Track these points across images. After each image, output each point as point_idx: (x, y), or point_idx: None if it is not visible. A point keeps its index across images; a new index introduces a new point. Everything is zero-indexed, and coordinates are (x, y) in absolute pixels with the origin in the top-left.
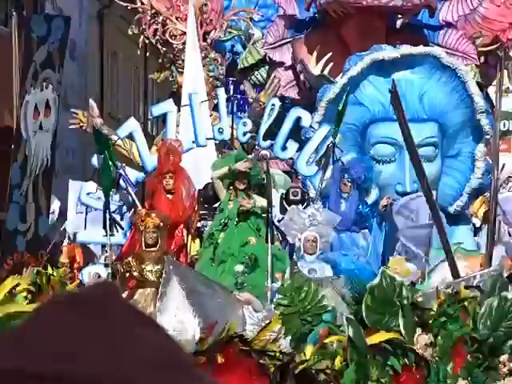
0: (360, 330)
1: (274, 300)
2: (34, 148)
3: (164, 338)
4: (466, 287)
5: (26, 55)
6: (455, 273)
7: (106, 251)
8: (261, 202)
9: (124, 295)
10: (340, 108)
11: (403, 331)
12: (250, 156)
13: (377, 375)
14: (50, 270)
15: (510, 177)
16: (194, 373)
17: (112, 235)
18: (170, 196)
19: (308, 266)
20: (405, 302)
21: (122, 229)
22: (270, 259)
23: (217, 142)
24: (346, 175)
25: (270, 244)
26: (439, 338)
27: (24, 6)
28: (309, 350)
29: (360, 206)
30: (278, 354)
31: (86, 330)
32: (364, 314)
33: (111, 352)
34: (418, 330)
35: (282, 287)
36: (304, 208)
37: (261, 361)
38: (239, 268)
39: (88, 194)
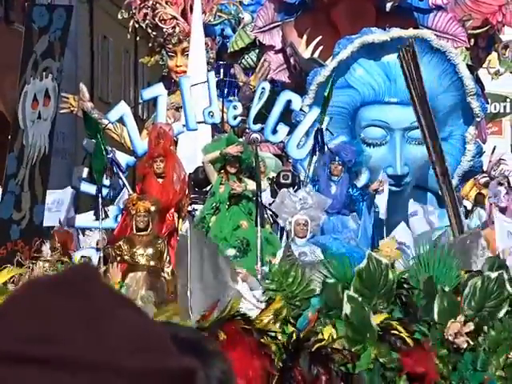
0: (362, 308)
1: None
2: (32, 137)
3: (147, 321)
4: (466, 271)
5: (27, 46)
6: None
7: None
8: (252, 185)
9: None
10: (326, 94)
11: (436, 318)
12: (240, 139)
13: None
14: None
15: (501, 159)
16: (177, 355)
17: (104, 219)
18: (160, 180)
19: (299, 249)
20: (446, 288)
21: (108, 216)
22: (259, 242)
23: (209, 125)
24: (337, 158)
25: (259, 227)
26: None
27: None
28: (327, 330)
29: (350, 189)
30: (278, 335)
31: (70, 312)
32: (352, 295)
33: (96, 335)
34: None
35: (270, 272)
36: (295, 191)
37: (262, 340)
38: (231, 252)
39: (79, 178)
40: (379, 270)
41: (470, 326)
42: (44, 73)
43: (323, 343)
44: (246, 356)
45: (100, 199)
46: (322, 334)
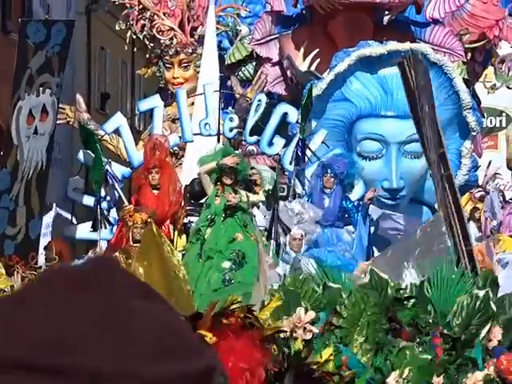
0: (384, 279)
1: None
2: (28, 152)
3: (169, 313)
4: None
5: (20, 62)
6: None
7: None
8: (249, 197)
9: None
10: (303, 103)
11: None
12: (237, 151)
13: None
14: None
15: (496, 173)
16: (195, 348)
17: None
18: (155, 192)
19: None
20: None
21: (111, 225)
22: (271, 253)
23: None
24: (329, 171)
25: (273, 241)
26: None
27: (11, 1)
28: (326, 352)
29: (344, 202)
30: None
31: (89, 312)
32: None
33: (115, 338)
34: None
35: (284, 285)
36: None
37: (266, 333)
38: (226, 265)
39: (74, 189)
40: (380, 286)
41: None
42: (41, 88)
43: (316, 366)
44: (248, 346)
45: (99, 210)
46: (321, 356)
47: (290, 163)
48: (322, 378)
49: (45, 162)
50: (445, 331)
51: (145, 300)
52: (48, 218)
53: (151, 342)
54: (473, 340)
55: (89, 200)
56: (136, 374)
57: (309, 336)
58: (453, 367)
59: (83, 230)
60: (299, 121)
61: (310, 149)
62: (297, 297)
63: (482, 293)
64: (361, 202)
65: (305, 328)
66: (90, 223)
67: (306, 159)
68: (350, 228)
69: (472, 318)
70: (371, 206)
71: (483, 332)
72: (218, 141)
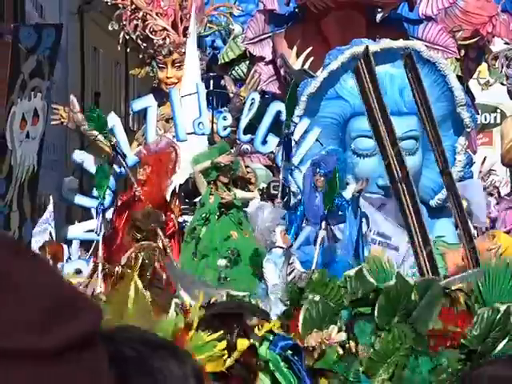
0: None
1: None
2: (20, 157)
3: (48, 272)
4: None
5: (13, 67)
6: (434, 269)
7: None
8: (241, 194)
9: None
10: (287, 97)
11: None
12: (231, 150)
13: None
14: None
15: (491, 170)
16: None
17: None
18: (142, 190)
19: (279, 259)
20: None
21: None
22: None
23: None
24: (318, 170)
25: (318, 245)
26: None
27: (4, 3)
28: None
29: (337, 200)
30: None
31: None
32: (376, 314)
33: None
34: None
35: (311, 280)
36: (285, 202)
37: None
38: (222, 262)
39: (69, 190)
40: (404, 290)
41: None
42: (32, 92)
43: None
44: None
45: (101, 215)
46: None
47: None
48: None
49: (36, 165)
50: (462, 341)
51: (22, 259)
52: (46, 216)
53: (43, 306)
54: (489, 353)
55: (83, 200)
56: (34, 346)
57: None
58: None
59: (78, 231)
60: (293, 119)
61: (296, 142)
62: (333, 312)
63: (503, 307)
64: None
65: (330, 346)
66: (84, 224)
67: (300, 157)
68: (342, 225)
69: (491, 331)
70: (365, 203)
71: (500, 346)
72: (210, 140)
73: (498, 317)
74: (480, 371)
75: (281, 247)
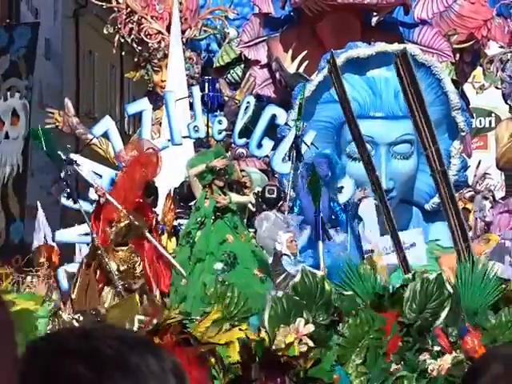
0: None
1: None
2: (0, 158)
3: None
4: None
5: None
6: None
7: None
8: (236, 198)
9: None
10: (300, 99)
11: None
12: (226, 154)
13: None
14: None
15: (486, 173)
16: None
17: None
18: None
19: (292, 268)
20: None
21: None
22: (322, 257)
23: (193, 140)
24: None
25: (321, 243)
26: None
27: None
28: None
29: (331, 204)
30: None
31: None
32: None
33: None
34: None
35: (206, 296)
36: (279, 206)
37: (201, 350)
38: (219, 266)
39: (62, 192)
40: (314, 282)
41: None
42: (8, 92)
43: (280, 352)
44: (184, 365)
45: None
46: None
47: (283, 160)
48: (289, 363)
49: (21, 165)
50: (399, 319)
51: None
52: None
53: None
54: (430, 325)
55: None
56: None
57: (304, 349)
58: (411, 353)
59: (72, 234)
60: (294, 118)
61: (306, 144)
62: (299, 306)
63: (432, 276)
64: (350, 202)
65: (301, 340)
66: (79, 227)
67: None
68: (339, 228)
69: (426, 303)
70: (364, 206)
71: (442, 315)
72: (206, 143)
73: (430, 287)
74: (492, 351)
75: (287, 255)
